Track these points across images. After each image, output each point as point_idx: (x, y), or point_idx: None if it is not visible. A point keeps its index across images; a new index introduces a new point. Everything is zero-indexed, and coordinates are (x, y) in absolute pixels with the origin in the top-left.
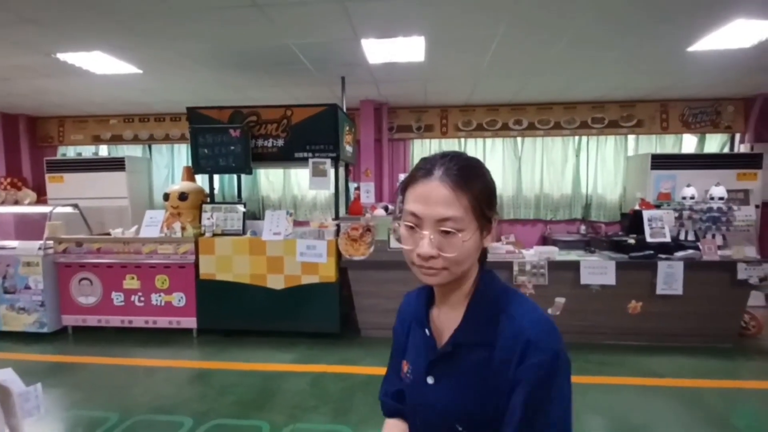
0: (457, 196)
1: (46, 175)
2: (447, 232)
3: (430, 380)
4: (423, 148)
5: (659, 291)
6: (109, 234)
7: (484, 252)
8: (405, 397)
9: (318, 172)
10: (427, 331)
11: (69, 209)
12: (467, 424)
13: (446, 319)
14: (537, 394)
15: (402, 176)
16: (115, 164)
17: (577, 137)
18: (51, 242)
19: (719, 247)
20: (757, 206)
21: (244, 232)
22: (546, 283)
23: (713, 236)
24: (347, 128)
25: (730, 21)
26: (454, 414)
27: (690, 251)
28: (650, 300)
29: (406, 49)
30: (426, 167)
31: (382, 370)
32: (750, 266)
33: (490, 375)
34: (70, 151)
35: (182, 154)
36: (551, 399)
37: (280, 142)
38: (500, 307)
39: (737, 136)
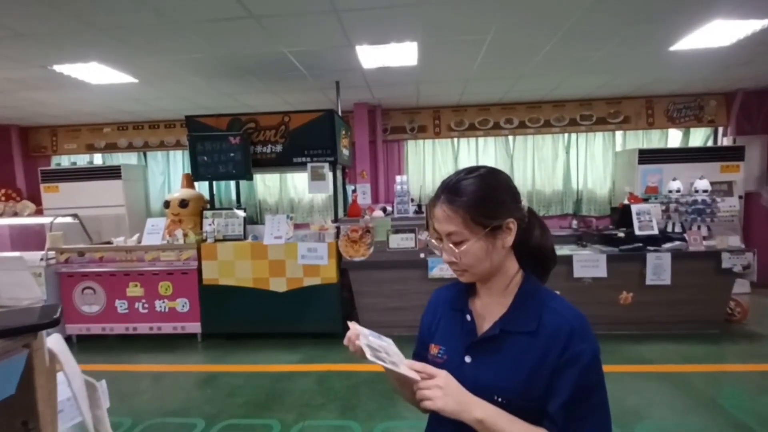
0: (454, 213)
1: (41, 185)
2: (455, 243)
3: (467, 359)
4: (417, 148)
5: (648, 281)
6: (110, 243)
7: (525, 249)
8: None
9: (317, 176)
10: (468, 316)
11: (68, 219)
12: (505, 396)
13: (488, 309)
14: (585, 377)
15: (398, 178)
16: (111, 172)
17: (566, 134)
18: (53, 252)
19: (704, 238)
20: (740, 197)
21: (245, 237)
22: None
23: (698, 227)
24: (343, 132)
25: (708, 22)
26: (493, 389)
27: (677, 243)
28: (640, 290)
29: (399, 54)
30: (437, 192)
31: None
32: (734, 255)
33: (531, 358)
34: (64, 161)
35: (178, 160)
36: (596, 383)
37: (279, 148)
38: (543, 302)
39: (720, 130)
